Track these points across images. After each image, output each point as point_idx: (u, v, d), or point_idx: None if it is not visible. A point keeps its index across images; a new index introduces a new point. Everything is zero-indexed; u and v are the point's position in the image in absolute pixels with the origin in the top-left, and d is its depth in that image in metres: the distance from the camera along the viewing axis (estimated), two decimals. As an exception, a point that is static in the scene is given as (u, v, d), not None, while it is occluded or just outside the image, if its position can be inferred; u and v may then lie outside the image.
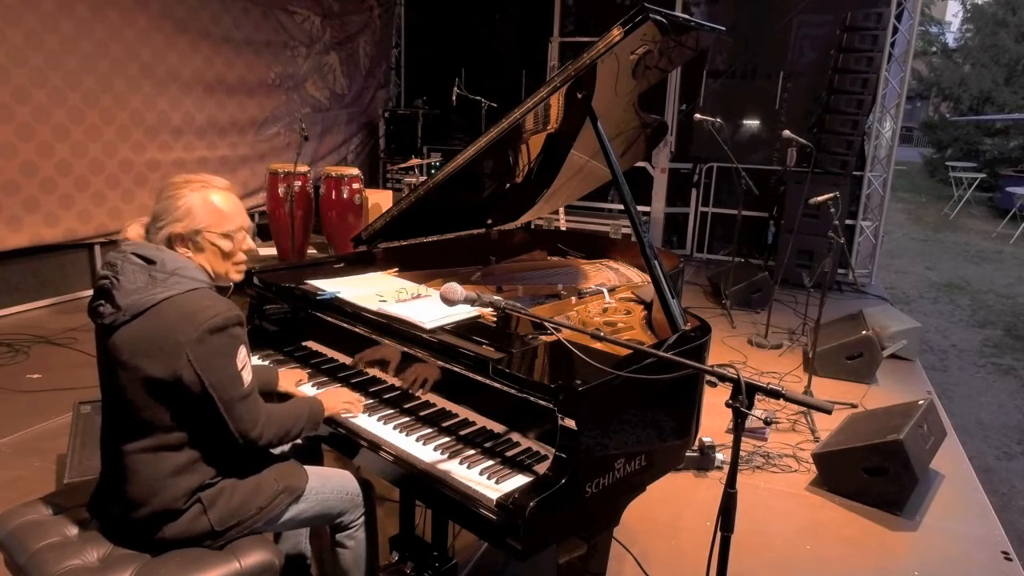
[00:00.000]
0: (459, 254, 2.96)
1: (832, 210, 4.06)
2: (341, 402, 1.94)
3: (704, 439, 3.32)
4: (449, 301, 1.64)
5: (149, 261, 1.60)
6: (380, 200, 6.75)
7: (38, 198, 4.94)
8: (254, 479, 1.74)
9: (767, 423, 3.10)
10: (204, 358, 1.53)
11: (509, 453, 1.74)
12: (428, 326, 1.94)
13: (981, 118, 17.14)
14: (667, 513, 3.00)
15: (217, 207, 1.66)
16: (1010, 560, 2.85)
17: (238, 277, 1.75)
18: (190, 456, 1.64)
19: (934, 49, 20.39)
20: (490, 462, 1.73)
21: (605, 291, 2.55)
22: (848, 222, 7.20)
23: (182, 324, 1.53)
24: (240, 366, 1.60)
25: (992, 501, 3.30)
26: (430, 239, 2.97)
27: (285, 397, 2.09)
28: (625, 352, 1.76)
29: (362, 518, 1.94)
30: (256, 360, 2.29)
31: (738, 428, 1.44)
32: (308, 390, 2.11)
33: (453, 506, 1.66)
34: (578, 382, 1.59)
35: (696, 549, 2.75)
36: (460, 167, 2.33)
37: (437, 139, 8.42)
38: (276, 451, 1.90)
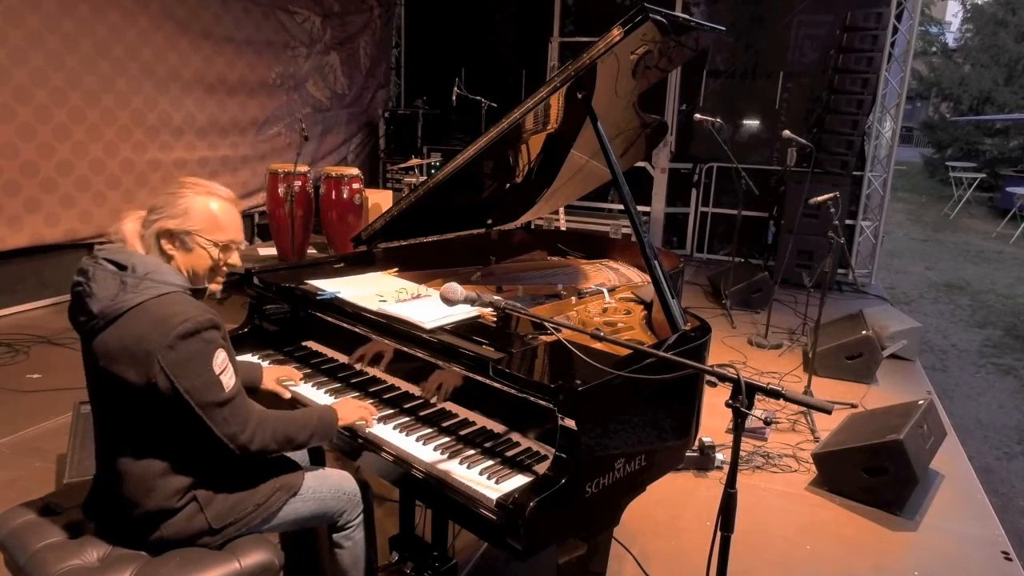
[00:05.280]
0: (459, 254, 2.96)
1: (832, 210, 4.05)
2: (356, 412, 1.89)
3: (704, 439, 3.32)
4: (449, 301, 1.65)
5: (121, 267, 1.57)
6: (380, 200, 6.74)
7: (39, 198, 4.94)
8: (250, 477, 1.74)
9: (767, 423, 3.10)
10: (176, 364, 1.51)
11: (509, 453, 1.74)
12: (428, 326, 1.94)
13: (981, 118, 17.14)
14: (667, 513, 3.00)
15: (215, 215, 1.65)
16: (1010, 560, 2.85)
17: (215, 288, 1.73)
18: (178, 458, 1.63)
19: (934, 49, 20.40)
20: (490, 462, 1.73)
21: (605, 291, 2.55)
22: (848, 222, 7.20)
23: (153, 330, 1.51)
24: (218, 371, 1.56)
25: (992, 501, 3.30)
26: (430, 239, 2.97)
27: (277, 397, 2.08)
28: (625, 352, 1.76)
29: (360, 518, 1.94)
30: (255, 359, 2.29)
31: (738, 428, 1.44)
32: (310, 391, 2.11)
33: (453, 506, 1.66)
34: (578, 382, 1.59)
35: (696, 549, 2.75)
36: (460, 167, 2.33)
37: (437, 139, 8.41)
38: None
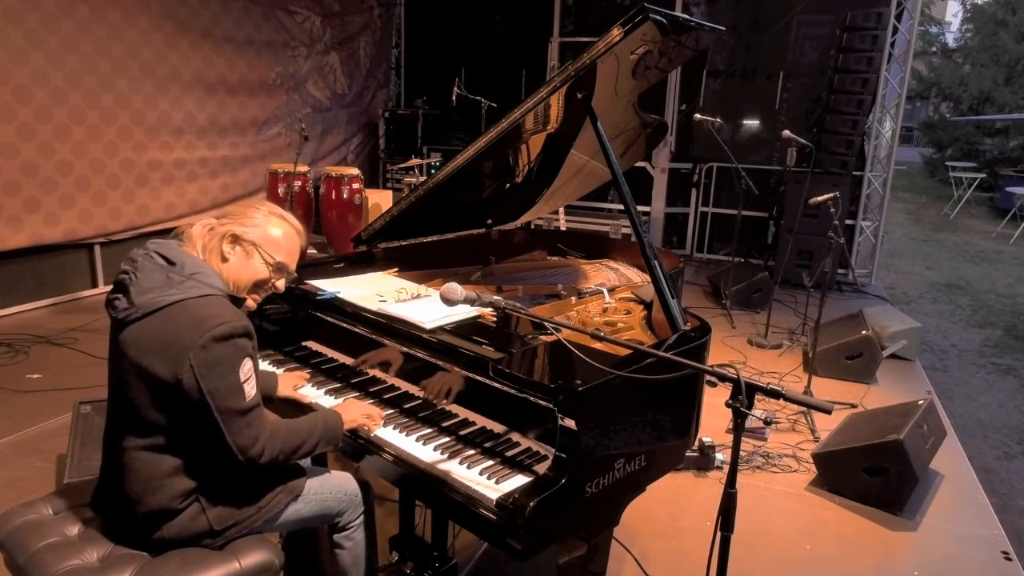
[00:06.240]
0: (459, 254, 2.96)
1: (832, 210, 4.05)
2: (360, 415, 1.88)
3: (704, 439, 3.32)
4: (449, 301, 1.65)
5: (170, 262, 1.62)
6: (380, 200, 6.76)
7: (39, 198, 4.93)
8: (254, 481, 1.74)
9: (767, 423, 3.10)
10: (205, 364, 1.53)
11: (509, 453, 1.74)
12: (428, 326, 1.94)
13: (981, 118, 17.14)
14: (667, 513, 3.00)
15: (279, 237, 1.75)
16: (1010, 560, 2.85)
17: (251, 305, 1.78)
18: (188, 460, 1.64)
19: (934, 49, 20.39)
20: (490, 462, 1.73)
21: (605, 291, 2.55)
22: (848, 222, 7.20)
23: (189, 329, 1.54)
24: (243, 378, 1.59)
25: (992, 501, 3.30)
26: (430, 239, 2.97)
27: (293, 404, 2.08)
28: (625, 352, 1.76)
29: (361, 518, 1.94)
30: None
31: (738, 428, 1.44)
32: (310, 391, 2.11)
33: (453, 506, 1.66)
34: (578, 382, 1.59)
35: (696, 549, 2.75)
36: (460, 167, 2.33)
37: (437, 139, 8.42)
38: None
